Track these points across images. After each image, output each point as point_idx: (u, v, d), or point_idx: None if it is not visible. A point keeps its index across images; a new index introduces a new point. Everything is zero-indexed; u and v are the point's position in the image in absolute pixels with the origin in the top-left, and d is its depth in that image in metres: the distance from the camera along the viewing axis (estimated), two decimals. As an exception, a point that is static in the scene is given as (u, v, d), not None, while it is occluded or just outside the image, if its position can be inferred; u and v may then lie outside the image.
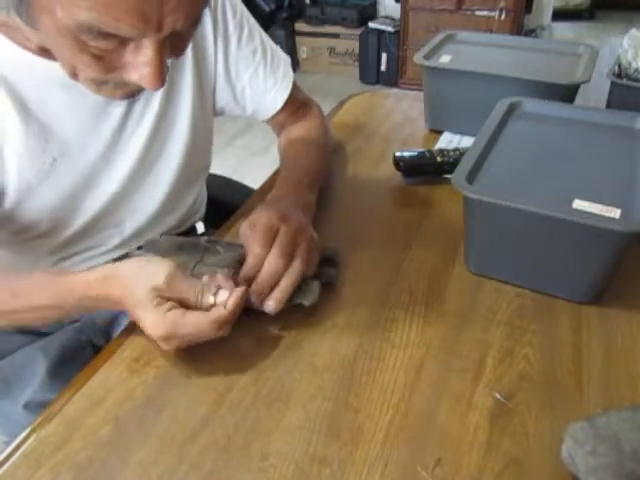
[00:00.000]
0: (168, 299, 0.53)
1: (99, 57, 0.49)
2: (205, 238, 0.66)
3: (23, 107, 0.60)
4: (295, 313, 0.61)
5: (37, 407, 0.67)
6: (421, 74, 0.96)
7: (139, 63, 0.49)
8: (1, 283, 0.60)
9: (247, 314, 0.57)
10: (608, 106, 0.93)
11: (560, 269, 0.62)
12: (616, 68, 0.92)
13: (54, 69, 0.56)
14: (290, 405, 0.53)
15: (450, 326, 0.61)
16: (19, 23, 0.50)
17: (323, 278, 0.63)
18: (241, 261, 0.61)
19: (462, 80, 0.92)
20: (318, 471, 0.47)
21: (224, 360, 0.57)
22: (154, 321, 0.52)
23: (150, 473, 0.47)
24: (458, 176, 0.62)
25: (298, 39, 3.42)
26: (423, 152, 0.85)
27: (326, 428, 0.51)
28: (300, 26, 3.38)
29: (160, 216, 0.77)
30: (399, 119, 1.06)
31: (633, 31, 0.93)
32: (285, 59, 0.85)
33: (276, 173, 0.85)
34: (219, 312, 0.53)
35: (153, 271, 0.54)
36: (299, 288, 0.60)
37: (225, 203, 0.93)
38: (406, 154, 0.85)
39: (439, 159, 0.84)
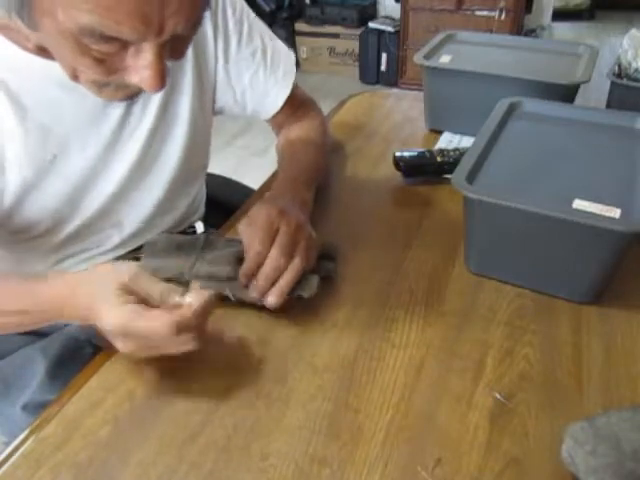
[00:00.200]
0: (131, 294, 0.51)
1: (100, 60, 0.49)
2: (204, 236, 0.66)
3: (21, 106, 0.60)
4: (295, 313, 0.61)
5: (36, 408, 0.66)
6: (421, 74, 0.96)
7: (140, 66, 0.49)
8: None
9: (247, 313, 0.57)
10: (608, 106, 0.92)
11: (560, 269, 0.62)
12: (616, 68, 0.92)
13: (53, 69, 0.56)
14: (290, 405, 0.53)
15: (450, 326, 0.60)
16: (19, 24, 0.50)
17: (322, 272, 0.64)
18: (240, 257, 0.61)
19: (462, 80, 0.92)
20: (318, 471, 0.47)
21: (224, 360, 0.57)
22: (112, 313, 0.50)
23: (150, 473, 0.47)
24: (458, 176, 0.62)
25: (298, 39, 3.42)
26: (423, 152, 0.85)
27: (326, 428, 0.50)
28: (300, 26, 3.38)
29: (159, 216, 0.77)
30: (399, 119, 1.06)
31: (633, 31, 0.93)
32: (286, 54, 0.84)
33: (275, 174, 0.85)
34: (181, 312, 0.49)
35: (119, 271, 0.53)
36: (298, 282, 0.60)
37: (225, 203, 0.93)
38: (406, 154, 0.85)
39: (439, 159, 0.84)
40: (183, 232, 0.84)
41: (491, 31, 2.74)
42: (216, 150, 0.88)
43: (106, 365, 0.57)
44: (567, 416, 0.50)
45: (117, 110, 0.67)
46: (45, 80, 0.60)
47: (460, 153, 0.83)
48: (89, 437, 0.50)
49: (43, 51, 0.57)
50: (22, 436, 0.51)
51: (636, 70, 0.89)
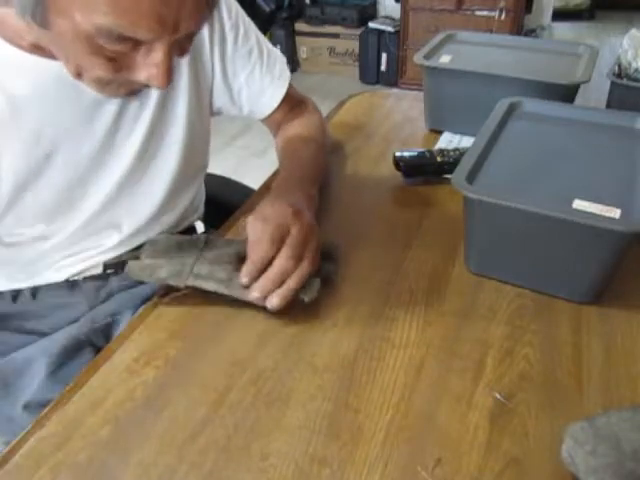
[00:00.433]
0: None
1: (111, 59, 0.50)
2: (204, 236, 0.66)
3: (14, 104, 0.60)
4: (295, 313, 0.61)
5: (37, 407, 0.66)
6: (421, 74, 0.96)
7: (149, 64, 0.51)
8: None
9: (247, 313, 0.57)
10: (608, 106, 0.92)
11: (560, 269, 0.62)
12: (616, 68, 0.92)
13: (45, 66, 0.57)
14: (290, 405, 0.53)
15: (450, 326, 0.60)
16: (11, 21, 0.50)
17: (322, 274, 0.64)
18: (241, 257, 0.61)
19: (462, 80, 0.92)
20: (318, 471, 0.47)
21: (224, 360, 0.57)
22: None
23: (150, 473, 0.47)
24: (458, 176, 0.62)
25: (298, 39, 3.42)
26: (423, 152, 0.85)
27: (326, 428, 0.51)
28: (300, 26, 3.38)
29: (158, 216, 0.77)
30: (399, 119, 1.06)
31: (633, 31, 0.93)
32: (281, 58, 0.85)
33: (276, 173, 0.85)
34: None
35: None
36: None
37: (225, 203, 0.93)
38: (406, 154, 0.85)
39: (439, 159, 0.84)
40: (183, 232, 0.84)
41: (491, 31, 2.74)
42: (216, 150, 0.88)
43: (106, 365, 0.57)
44: (567, 416, 0.50)
45: (113, 107, 0.66)
46: (39, 77, 0.60)
47: (460, 153, 0.83)
48: (89, 437, 0.50)
49: (38, 49, 0.57)
50: (22, 435, 0.51)
51: (636, 70, 0.89)
